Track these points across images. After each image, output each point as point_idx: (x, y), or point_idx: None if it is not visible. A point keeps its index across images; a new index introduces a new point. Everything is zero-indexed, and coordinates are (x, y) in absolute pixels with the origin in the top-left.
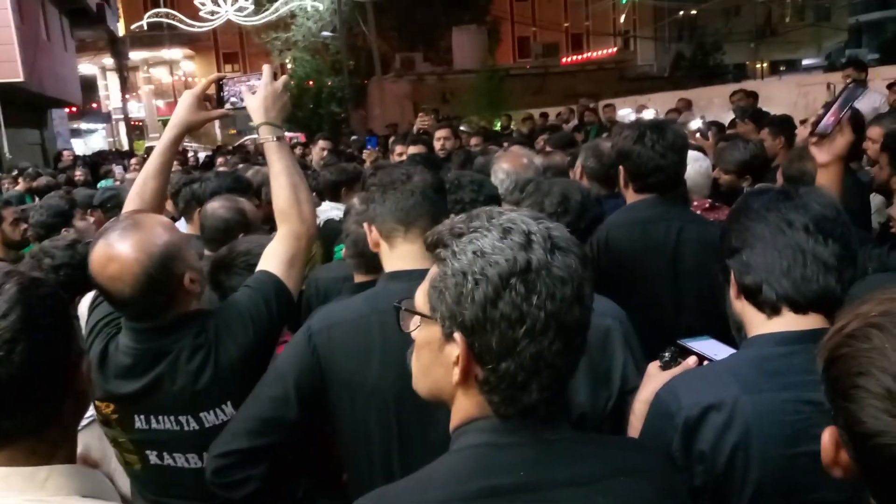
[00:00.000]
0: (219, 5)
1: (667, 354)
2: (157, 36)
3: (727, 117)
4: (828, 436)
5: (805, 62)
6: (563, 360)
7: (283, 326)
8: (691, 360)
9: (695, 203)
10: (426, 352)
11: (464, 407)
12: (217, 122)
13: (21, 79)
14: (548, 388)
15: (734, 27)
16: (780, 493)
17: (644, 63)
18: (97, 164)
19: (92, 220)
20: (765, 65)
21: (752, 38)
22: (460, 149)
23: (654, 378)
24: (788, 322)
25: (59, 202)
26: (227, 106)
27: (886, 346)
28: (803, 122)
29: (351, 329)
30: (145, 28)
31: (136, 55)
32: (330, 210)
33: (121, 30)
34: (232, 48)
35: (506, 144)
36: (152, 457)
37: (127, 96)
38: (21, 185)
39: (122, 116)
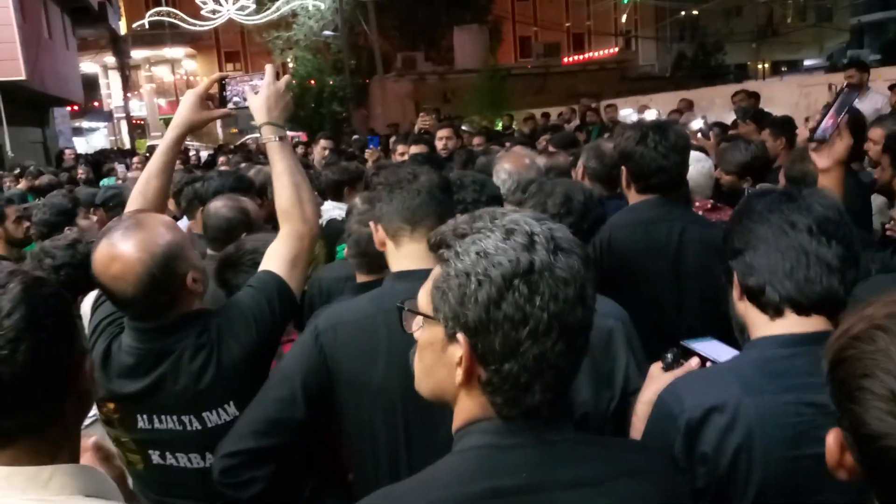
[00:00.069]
0: (220, 4)
1: (669, 355)
2: (159, 35)
3: (729, 118)
4: (832, 438)
5: (807, 63)
6: (566, 361)
7: (285, 326)
8: (693, 362)
9: (697, 204)
10: (429, 352)
11: (466, 408)
12: (219, 121)
13: (23, 77)
14: (550, 389)
15: (736, 27)
16: (783, 495)
17: (645, 63)
18: (99, 162)
19: (95, 218)
20: (766, 65)
21: (754, 39)
22: (462, 148)
23: (657, 379)
24: (791, 324)
25: (62, 201)
26: (230, 105)
27: (892, 349)
28: (807, 120)
29: (357, 329)
30: (147, 27)
31: (137, 54)
32: (332, 210)
33: (122, 28)
34: (233, 47)
35: (508, 144)
36: (155, 456)
37: (128, 95)
38: (23, 184)
39: (123, 115)
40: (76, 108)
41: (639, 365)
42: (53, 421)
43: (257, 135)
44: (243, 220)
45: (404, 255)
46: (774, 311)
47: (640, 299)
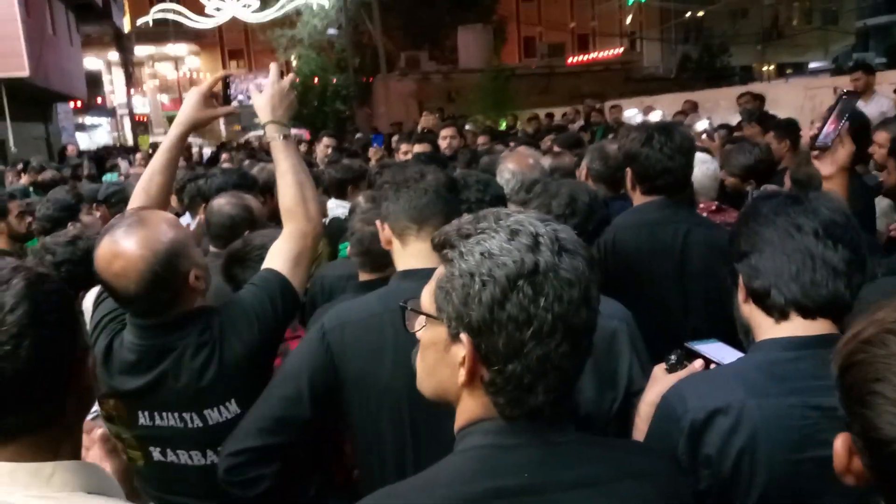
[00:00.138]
0: (224, 1)
1: (673, 357)
2: (163, 32)
3: (733, 119)
4: (841, 443)
5: (812, 65)
6: (570, 363)
7: (287, 324)
8: (697, 364)
9: (701, 205)
10: (431, 352)
11: (469, 408)
12: (222, 119)
13: (27, 73)
14: (554, 389)
15: (741, 29)
16: (786, 498)
17: (650, 64)
18: (103, 158)
19: (98, 214)
20: (771, 67)
21: (759, 41)
22: (465, 147)
23: (660, 380)
24: (796, 327)
25: (65, 196)
26: (234, 104)
27: None
28: (812, 123)
29: (364, 327)
30: (151, 24)
31: (141, 50)
32: (336, 208)
33: (126, 25)
34: (237, 45)
35: (512, 144)
36: (156, 453)
37: (132, 91)
38: (25, 179)
39: (126, 111)
40: (79, 104)
41: (642, 366)
42: (55, 417)
43: (260, 132)
44: (246, 217)
45: (411, 253)
46: (780, 314)
47: (644, 301)
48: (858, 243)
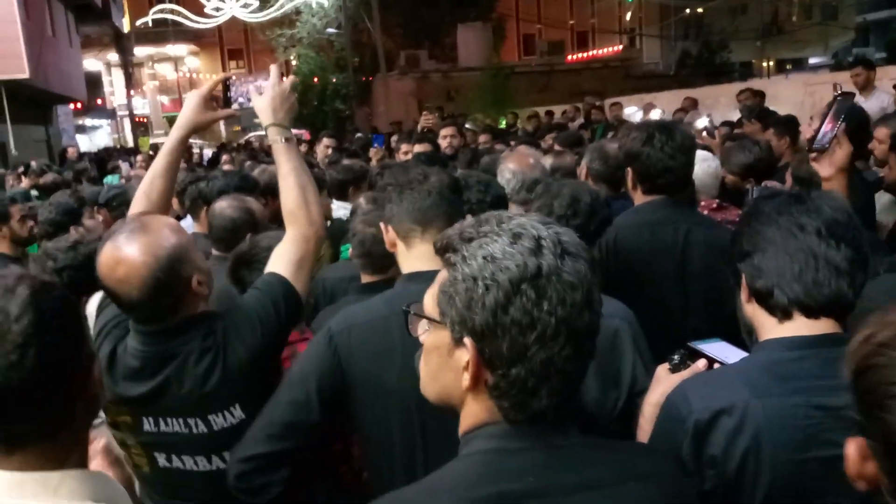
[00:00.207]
0: (223, 1)
1: (676, 357)
2: (163, 32)
3: (733, 116)
4: (854, 447)
5: (812, 61)
6: (573, 366)
7: (291, 328)
8: (700, 364)
9: (702, 203)
10: (435, 356)
11: (473, 412)
12: (222, 120)
13: (27, 75)
14: (557, 393)
15: (741, 25)
16: (790, 497)
17: (650, 61)
18: (104, 160)
19: (100, 218)
20: (771, 63)
21: (759, 37)
22: (465, 146)
23: (663, 381)
24: (800, 326)
25: (68, 200)
26: (235, 106)
27: None
28: (812, 119)
29: (371, 330)
30: (150, 24)
31: (141, 51)
32: (337, 209)
33: (126, 26)
34: (237, 45)
35: (513, 143)
36: (161, 459)
37: (132, 92)
38: (26, 182)
39: (126, 113)
40: (79, 105)
41: (645, 365)
42: (62, 426)
43: (260, 132)
44: (248, 220)
45: (415, 256)
46: (783, 314)
47: (645, 301)
48: (861, 242)
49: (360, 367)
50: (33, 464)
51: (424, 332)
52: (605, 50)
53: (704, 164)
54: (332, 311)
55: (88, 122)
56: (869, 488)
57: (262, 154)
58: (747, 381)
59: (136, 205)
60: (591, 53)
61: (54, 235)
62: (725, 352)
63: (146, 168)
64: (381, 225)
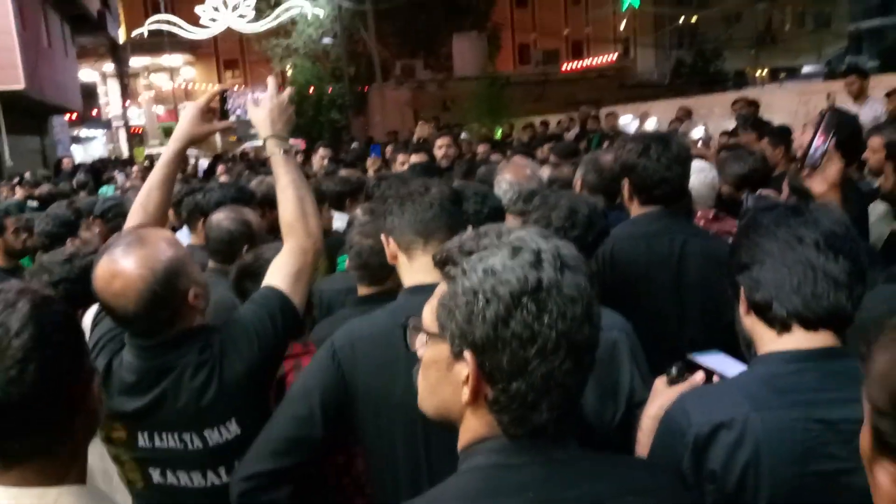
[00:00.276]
0: (219, 11)
1: (674, 370)
2: (158, 42)
3: (728, 125)
4: (887, 475)
5: (805, 69)
6: (573, 380)
7: (288, 342)
8: (698, 376)
9: (699, 213)
10: (433, 370)
11: (472, 427)
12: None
13: (22, 86)
14: (557, 407)
15: (734, 34)
16: None
17: (644, 70)
18: (99, 171)
19: (97, 230)
20: (765, 71)
21: (753, 45)
22: (460, 157)
23: (662, 394)
24: (799, 339)
25: (65, 212)
26: (232, 118)
27: None
28: (805, 126)
29: (374, 344)
30: (146, 35)
31: (136, 61)
32: (334, 221)
33: (121, 36)
34: (232, 55)
35: (509, 153)
36: (155, 475)
37: (127, 103)
38: (20, 193)
39: (122, 123)
40: (75, 116)
41: (643, 377)
42: (61, 441)
43: (256, 143)
44: (245, 232)
45: (417, 268)
46: (782, 327)
47: (642, 312)
48: (859, 254)
49: (364, 380)
50: (31, 479)
51: (423, 346)
52: (600, 59)
53: (701, 175)
54: (329, 323)
55: (84, 132)
56: None
57: (259, 165)
58: (747, 394)
59: (133, 217)
60: (585, 63)
61: (51, 247)
62: (724, 364)
63: (142, 179)
64: (382, 237)
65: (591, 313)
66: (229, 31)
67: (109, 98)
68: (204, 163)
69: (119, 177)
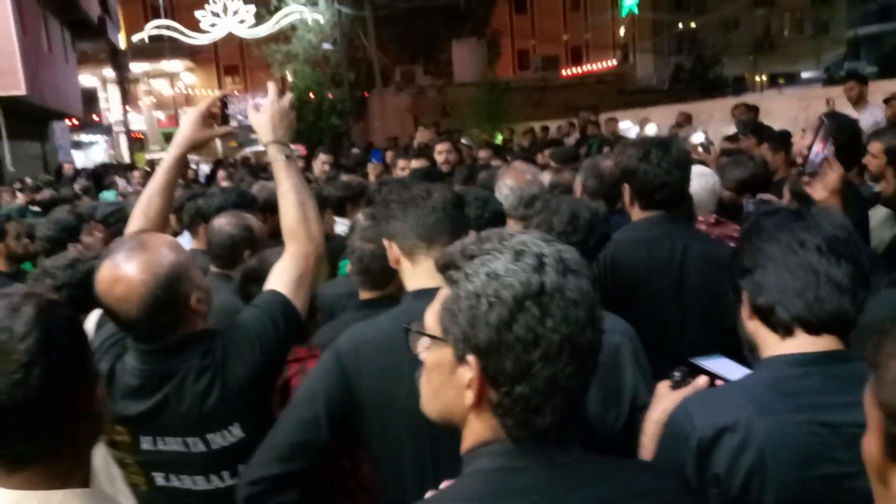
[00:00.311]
0: (219, 17)
1: (677, 374)
2: (158, 48)
3: (728, 130)
4: None
5: (804, 75)
6: (577, 383)
7: (290, 346)
8: (701, 380)
9: (700, 218)
10: (437, 374)
11: (476, 430)
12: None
13: (23, 92)
14: (561, 410)
15: (733, 40)
16: None
17: (643, 76)
18: (100, 176)
19: (99, 235)
20: (764, 77)
21: (752, 51)
22: (461, 163)
23: (665, 398)
24: (802, 343)
25: (66, 217)
26: (233, 124)
27: None
28: (804, 131)
29: (379, 348)
30: (146, 40)
31: (136, 67)
32: (336, 226)
33: (122, 42)
34: (232, 60)
35: (509, 158)
36: (159, 478)
37: (128, 108)
38: (21, 199)
39: (122, 129)
40: (75, 121)
41: (646, 380)
42: (66, 445)
43: (256, 148)
44: (247, 237)
45: (421, 273)
46: (785, 331)
47: (643, 317)
48: (861, 258)
49: (368, 384)
50: (36, 482)
51: (426, 350)
52: (600, 65)
53: (702, 180)
54: (331, 327)
55: (84, 138)
56: None
57: (260, 170)
58: (750, 398)
59: (134, 223)
60: (585, 69)
61: (53, 252)
62: (727, 368)
63: (143, 185)
64: (385, 241)
65: (594, 317)
66: (229, 37)
67: (110, 103)
68: (206, 168)
69: (120, 182)
